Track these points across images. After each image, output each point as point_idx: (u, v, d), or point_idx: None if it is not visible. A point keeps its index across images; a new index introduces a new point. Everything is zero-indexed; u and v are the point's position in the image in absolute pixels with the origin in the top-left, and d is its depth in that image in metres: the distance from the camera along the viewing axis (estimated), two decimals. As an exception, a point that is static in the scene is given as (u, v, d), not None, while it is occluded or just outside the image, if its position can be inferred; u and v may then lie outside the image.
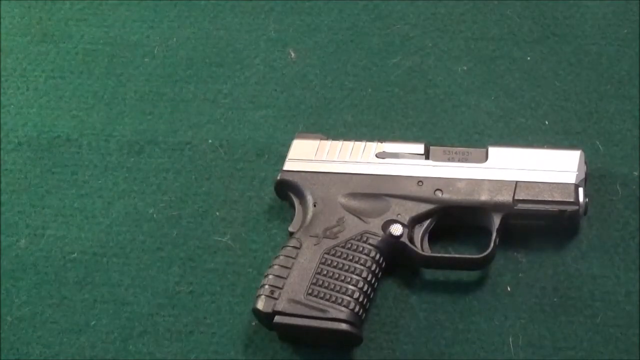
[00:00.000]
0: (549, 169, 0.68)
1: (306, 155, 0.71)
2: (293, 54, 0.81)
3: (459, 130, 0.76)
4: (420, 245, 0.68)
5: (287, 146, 0.72)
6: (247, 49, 0.82)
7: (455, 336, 0.67)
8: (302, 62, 0.81)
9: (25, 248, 0.73)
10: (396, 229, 0.67)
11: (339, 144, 0.71)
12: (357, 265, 0.65)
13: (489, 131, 0.76)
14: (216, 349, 0.68)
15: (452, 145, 0.72)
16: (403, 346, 0.67)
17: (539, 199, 0.67)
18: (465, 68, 0.79)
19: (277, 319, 0.64)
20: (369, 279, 0.65)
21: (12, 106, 0.80)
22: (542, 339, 0.66)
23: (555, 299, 0.68)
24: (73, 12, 0.85)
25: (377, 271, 0.66)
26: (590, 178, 0.71)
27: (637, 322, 0.67)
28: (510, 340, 0.67)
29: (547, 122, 0.76)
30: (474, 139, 0.75)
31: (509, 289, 0.68)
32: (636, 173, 0.72)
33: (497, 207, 0.68)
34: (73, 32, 0.84)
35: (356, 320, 0.64)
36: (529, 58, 0.79)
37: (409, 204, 0.68)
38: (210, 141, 0.77)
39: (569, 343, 0.66)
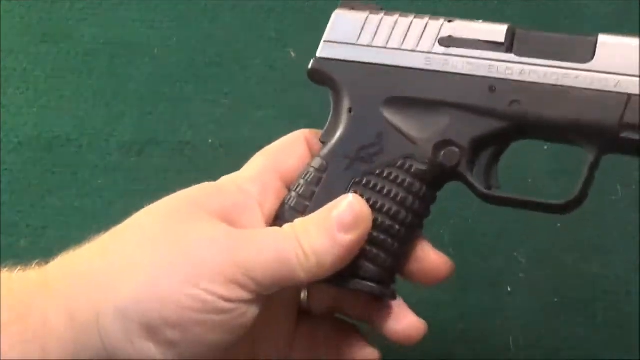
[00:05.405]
0: None
1: (348, 36, 0.54)
2: (293, 54, 0.81)
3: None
4: (486, 178, 0.51)
5: (287, 146, 0.72)
6: (247, 49, 0.82)
7: (455, 336, 0.67)
8: (302, 62, 0.80)
9: (25, 248, 0.73)
10: (452, 155, 0.50)
11: (392, 19, 0.53)
12: (393, 206, 0.50)
13: (489, 131, 0.76)
14: (216, 349, 0.68)
15: (548, 32, 0.51)
16: (403, 346, 0.67)
17: None
18: (465, 68, 0.79)
19: None
20: (407, 221, 0.51)
21: (12, 106, 0.80)
22: (542, 339, 0.67)
23: (555, 299, 0.68)
24: (73, 12, 0.85)
25: (419, 210, 0.51)
26: (590, 178, 0.71)
27: (637, 322, 0.67)
28: (510, 340, 0.67)
29: (547, 122, 0.76)
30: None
31: (509, 289, 0.68)
32: (636, 173, 0.72)
33: (593, 132, 0.48)
34: (73, 32, 0.84)
35: (386, 277, 0.52)
36: (529, 58, 0.79)
37: (473, 118, 0.50)
38: (210, 141, 0.77)
39: (569, 343, 0.66)
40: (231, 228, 0.48)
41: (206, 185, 0.52)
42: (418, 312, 0.68)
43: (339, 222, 0.48)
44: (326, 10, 0.84)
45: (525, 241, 0.70)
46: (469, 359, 0.66)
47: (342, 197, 0.49)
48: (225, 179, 0.53)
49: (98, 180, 0.76)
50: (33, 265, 0.48)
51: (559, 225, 0.70)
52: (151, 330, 0.44)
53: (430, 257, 0.53)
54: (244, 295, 0.46)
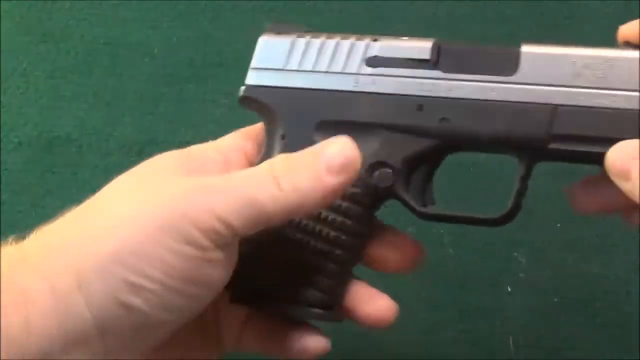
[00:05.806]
0: (604, 85, 0.47)
1: (276, 61, 0.53)
2: (293, 54, 0.81)
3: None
4: (421, 196, 0.51)
5: (287, 146, 0.72)
6: (247, 49, 0.81)
7: (455, 336, 0.67)
8: (302, 62, 0.81)
9: (25, 248, 0.73)
10: (385, 176, 0.49)
11: (318, 42, 0.52)
12: (331, 231, 0.50)
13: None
14: (216, 349, 0.68)
15: (469, 43, 0.51)
16: (403, 346, 0.67)
17: (584, 134, 0.47)
18: (465, 68, 0.79)
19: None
20: (347, 244, 0.50)
21: (12, 106, 0.80)
22: (542, 339, 0.67)
23: (555, 299, 0.68)
24: (73, 12, 0.85)
25: (359, 231, 0.50)
26: (590, 178, 0.71)
27: (637, 322, 0.67)
28: (510, 340, 0.67)
29: (547, 122, 0.76)
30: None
31: (509, 289, 0.68)
32: (636, 173, 0.72)
33: (521, 144, 0.48)
34: (73, 32, 0.84)
35: (332, 301, 0.51)
36: (529, 58, 0.79)
37: (404, 138, 0.49)
38: (210, 141, 0.77)
39: (569, 343, 0.66)
40: (200, 177, 0.49)
41: (175, 151, 0.54)
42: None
43: (328, 165, 0.46)
44: (326, 11, 0.84)
45: (525, 241, 0.70)
46: (469, 359, 0.66)
47: (334, 138, 0.47)
48: (194, 147, 0.54)
49: (98, 181, 0.76)
50: (10, 241, 0.48)
51: (559, 225, 0.70)
52: (133, 284, 0.44)
53: (401, 239, 0.53)
54: (221, 241, 0.45)
